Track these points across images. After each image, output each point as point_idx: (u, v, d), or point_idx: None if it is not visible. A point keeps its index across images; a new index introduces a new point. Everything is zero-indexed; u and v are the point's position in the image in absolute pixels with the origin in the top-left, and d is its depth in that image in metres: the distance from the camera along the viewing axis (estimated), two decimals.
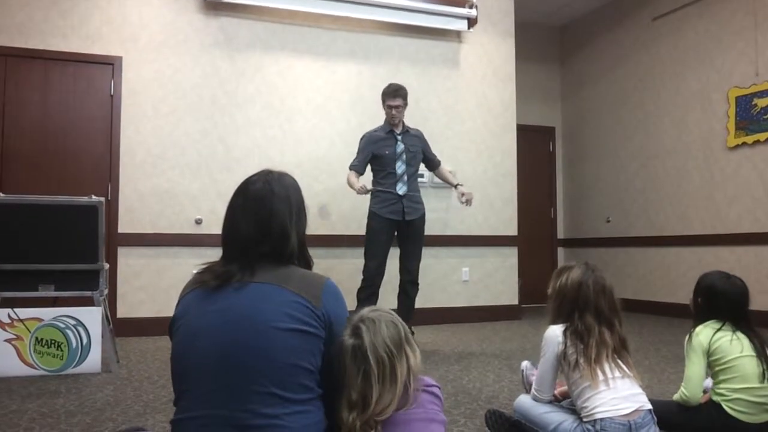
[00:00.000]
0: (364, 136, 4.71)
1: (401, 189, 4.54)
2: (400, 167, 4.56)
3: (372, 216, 4.60)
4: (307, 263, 1.67)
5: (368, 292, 4.47)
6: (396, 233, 4.62)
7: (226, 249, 1.62)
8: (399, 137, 4.62)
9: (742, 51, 6.02)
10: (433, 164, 4.93)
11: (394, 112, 4.58)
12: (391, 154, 4.57)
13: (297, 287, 1.51)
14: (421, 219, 4.66)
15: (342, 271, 5.44)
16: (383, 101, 4.65)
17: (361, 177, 4.62)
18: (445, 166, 5.20)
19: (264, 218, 1.59)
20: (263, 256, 1.56)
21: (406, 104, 4.65)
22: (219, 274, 1.55)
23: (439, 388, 1.64)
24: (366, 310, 1.61)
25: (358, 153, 4.67)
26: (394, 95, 4.58)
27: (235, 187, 1.69)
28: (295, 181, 1.71)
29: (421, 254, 4.69)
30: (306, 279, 1.56)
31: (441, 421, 1.57)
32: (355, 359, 1.51)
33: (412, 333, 4.53)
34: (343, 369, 1.52)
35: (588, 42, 8.02)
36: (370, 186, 4.63)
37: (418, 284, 4.66)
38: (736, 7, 6.09)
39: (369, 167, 4.70)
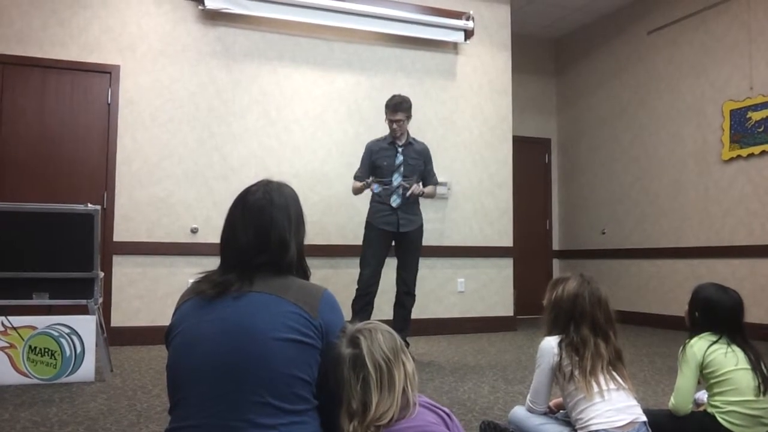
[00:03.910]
0: (366, 146, 4.72)
1: (395, 201, 4.53)
2: (396, 179, 4.54)
3: (367, 225, 4.61)
4: (305, 273, 1.67)
5: (363, 302, 4.46)
6: (393, 244, 4.62)
7: (224, 258, 1.62)
8: (400, 149, 4.60)
9: (737, 65, 6.07)
10: (425, 183, 4.76)
11: (395, 126, 4.55)
12: (389, 165, 4.55)
13: (295, 297, 1.51)
14: (418, 231, 4.64)
15: (338, 281, 5.44)
16: (385, 114, 4.61)
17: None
18: (440, 180, 5.22)
19: (263, 228, 1.59)
20: (262, 265, 1.56)
21: (409, 117, 4.61)
22: (217, 283, 1.54)
23: (451, 416, 1.63)
24: (360, 324, 1.62)
25: (360, 163, 4.69)
26: (395, 110, 4.54)
27: (232, 197, 1.69)
28: (294, 191, 1.71)
29: (418, 265, 4.68)
30: (304, 289, 1.56)
31: None
32: (354, 367, 1.52)
33: (407, 345, 4.53)
34: (341, 380, 1.52)
35: (584, 55, 8.07)
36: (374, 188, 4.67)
37: (414, 295, 4.64)
38: (731, 21, 6.14)
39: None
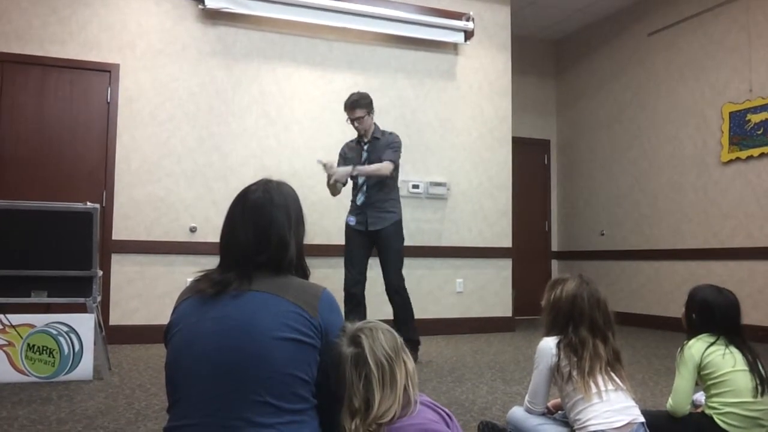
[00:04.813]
0: (341, 148, 4.72)
1: (359, 199, 4.51)
2: (361, 178, 4.49)
3: (345, 226, 4.61)
4: (305, 273, 1.66)
5: (351, 304, 4.41)
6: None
7: (223, 257, 1.62)
8: (365, 146, 4.56)
9: (736, 67, 6.07)
10: None
11: (356, 124, 4.51)
12: (356, 163, 4.50)
13: (294, 297, 1.51)
14: (391, 228, 4.50)
15: (336, 280, 5.40)
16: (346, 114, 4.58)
17: (342, 187, 4.62)
18: (440, 180, 5.13)
19: (263, 227, 1.59)
20: (261, 264, 1.56)
21: (369, 111, 4.52)
22: (216, 281, 1.54)
23: (451, 416, 1.64)
24: (361, 323, 1.63)
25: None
26: (352, 108, 4.49)
27: (231, 196, 1.69)
28: (293, 190, 1.71)
29: (398, 264, 4.53)
30: (303, 289, 1.56)
31: None
32: (356, 366, 1.53)
33: (419, 344, 4.50)
34: (343, 379, 1.53)
35: (584, 56, 8.07)
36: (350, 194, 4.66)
37: (402, 294, 4.51)
38: (731, 24, 6.15)
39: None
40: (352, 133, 5.88)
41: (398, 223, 4.57)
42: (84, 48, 5.30)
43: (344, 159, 4.62)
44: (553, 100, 8.55)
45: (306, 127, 5.89)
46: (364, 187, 4.50)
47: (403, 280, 4.54)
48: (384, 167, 4.42)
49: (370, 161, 4.49)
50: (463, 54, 6.56)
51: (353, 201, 4.59)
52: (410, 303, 4.56)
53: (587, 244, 7.88)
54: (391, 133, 4.64)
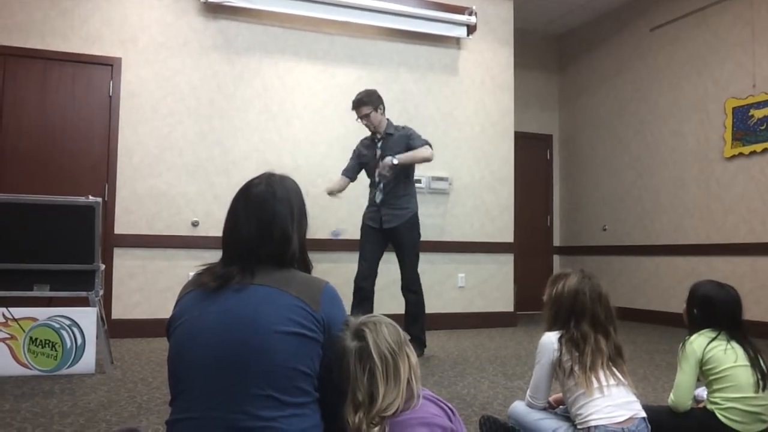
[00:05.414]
0: (358, 143, 4.72)
1: (377, 197, 4.50)
2: (377, 175, 4.50)
3: (362, 222, 4.62)
4: (307, 267, 1.66)
5: (358, 298, 4.41)
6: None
7: (226, 250, 1.62)
8: (379, 143, 4.54)
9: (740, 62, 6.05)
10: None
11: (364, 122, 4.52)
12: (372, 160, 4.50)
13: (297, 291, 1.51)
14: (405, 225, 4.49)
15: (338, 275, 5.40)
16: None
17: (350, 182, 4.64)
18: (442, 175, 5.13)
19: (265, 221, 1.59)
20: (264, 258, 1.56)
21: (376, 107, 4.48)
22: (219, 275, 1.54)
23: (453, 410, 1.65)
24: (364, 317, 1.63)
25: (350, 159, 4.71)
26: (357, 106, 4.49)
27: (233, 191, 1.69)
28: (296, 184, 1.71)
29: (413, 261, 4.52)
30: (306, 282, 1.56)
31: (447, 427, 1.57)
32: (360, 359, 1.54)
33: (425, 345, 4.49)
34: (346, 372, 1.54)
35: (586, 51, 8.05)
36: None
37: (415, 292, 4.51)
38: (734, 18, 6.13)
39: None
40: (354, 128, 5.89)
41: (413, 219, 4.55)
42: (86, 42, 5.30)
43: (359, 157, 4.64)
44: (556, 95, 8.53)
45: (308, 121, 5.89)
46: (381, 185, 4.48)
47: (418, 277, 4.54)
48: (424, 150, 4.45)
49: (383, 158, 4.46)
50: (466, 48, 6.54)
51: (370, 198, 4.56)
52: (423, 303, 4.55)
53: (589, 240, 7.88)
54: (404, 127, 4.62)
